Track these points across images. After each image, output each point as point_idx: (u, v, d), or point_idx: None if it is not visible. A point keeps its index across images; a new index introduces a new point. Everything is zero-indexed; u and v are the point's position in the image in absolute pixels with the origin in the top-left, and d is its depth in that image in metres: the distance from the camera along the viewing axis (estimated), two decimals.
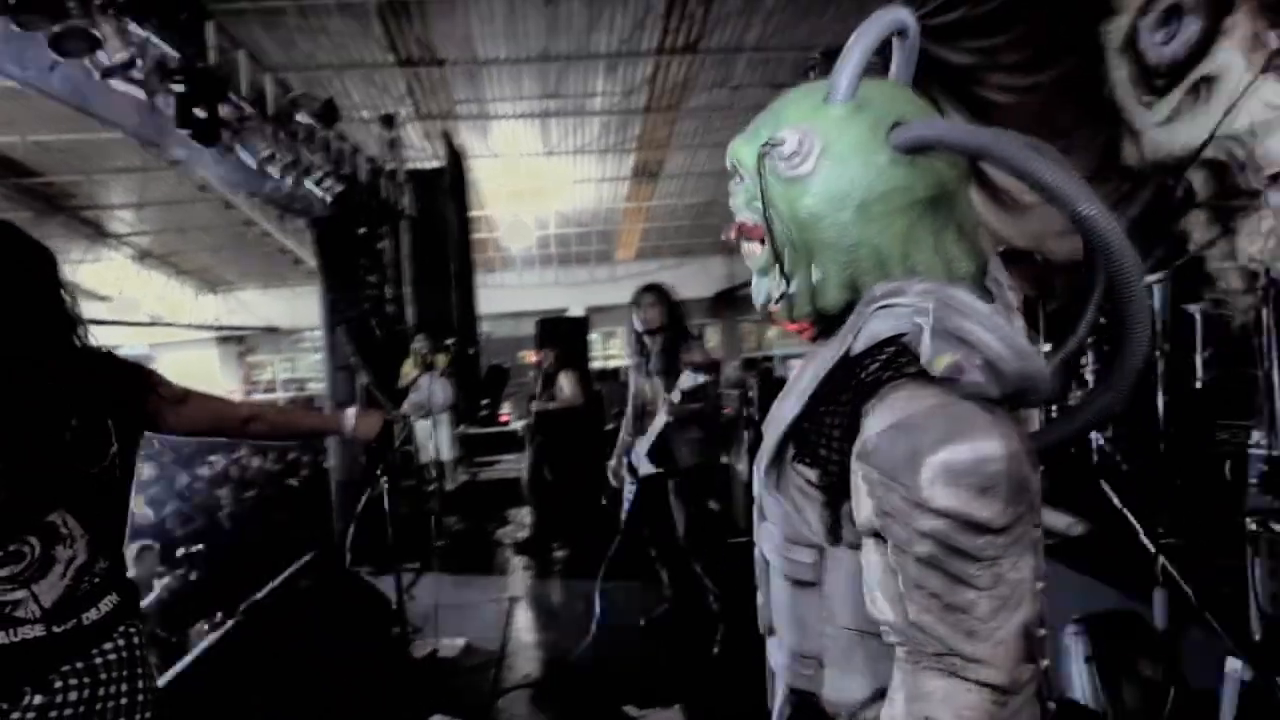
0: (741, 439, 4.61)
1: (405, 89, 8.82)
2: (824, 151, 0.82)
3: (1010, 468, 0.65)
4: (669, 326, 3.52)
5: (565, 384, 4.87)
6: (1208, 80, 3.92)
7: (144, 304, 14.04)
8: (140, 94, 3.15)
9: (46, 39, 2.57)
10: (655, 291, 3.56)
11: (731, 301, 15.17)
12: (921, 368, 0.70)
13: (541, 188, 11.41)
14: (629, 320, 3.56)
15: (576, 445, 5.17)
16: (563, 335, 5.89)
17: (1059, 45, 4.97)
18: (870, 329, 0.75)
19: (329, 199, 5.26)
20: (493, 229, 12.63)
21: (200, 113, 3.45)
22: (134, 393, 1.27)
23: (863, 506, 0.70)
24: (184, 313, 14.46)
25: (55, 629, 1.15)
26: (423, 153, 10.05)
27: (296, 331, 15.53)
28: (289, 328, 15.50)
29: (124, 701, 1.21)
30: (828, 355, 0.79)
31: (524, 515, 5.74)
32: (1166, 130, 4.23)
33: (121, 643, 1.23)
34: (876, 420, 0.70)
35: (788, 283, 0.82)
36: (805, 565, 0.79)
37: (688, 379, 3.13)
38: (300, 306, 15.82)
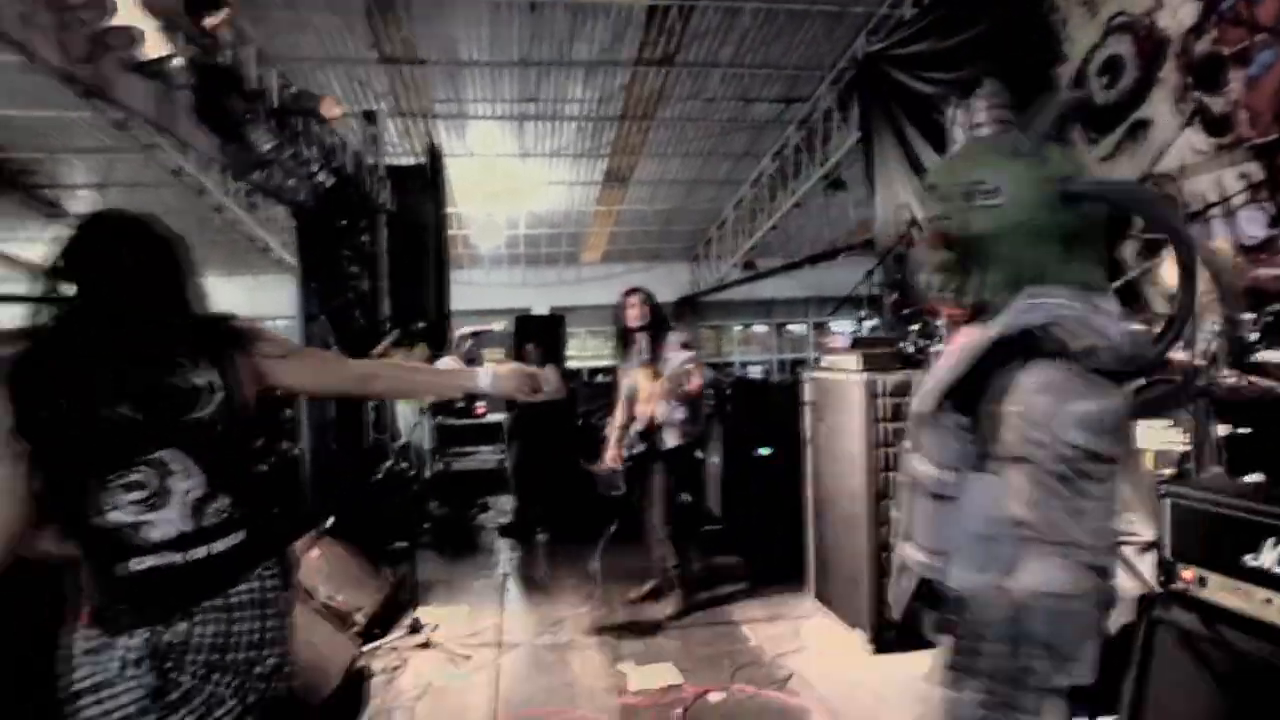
0: (715, 435, 4.93)
1: (387, 85, 8.94)
2: (1011, 191, 1.15)
3: (1118, 419, 1.05)
4: (653, 323, 3.98)
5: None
6: (1143, 124, 4.37)
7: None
8: (163, 85, 3.31)
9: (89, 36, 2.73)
10: (640, 293, 4.05)
11: (694, 307, 15.51)
12: (1057, 348, 1.09)
13: (514, 188, 11.59)
14: (615, 319, 4.02)
15: (557, 436, 5.43)
16: (543, 331, 6.11)
17: (1014, 84, 5.41)
18: (1022, 319, 1.09)
19: (321, 191, 5.41)
20: (463, 226, 12.76)
21: (218, 106, 3.61)
22: (239, 351, 1.43)
23: (1011, 439, 1.07)
24: None
25: (187, 557, 1.30)
26: (400, 149, 10.16)
27: (258, 319, 15.34)
28: (248, 315, 15.30)
29: (255, 638, 1.35)
30: (982, 335, 1.12)
31: (504, 502, 5.97)
32: (1108, 166, 4.67)
33: (255, 584, 1.38)
34: (1030, 381, 1.07)
35: (964, 279, 1.15)
36: (949, 484, 1.14)
37: (679, 357, 3.59)
38: (261, 295, 15.65)
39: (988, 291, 1.15)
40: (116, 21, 2.69)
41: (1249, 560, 1.42)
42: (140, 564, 1.27)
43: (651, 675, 3.20)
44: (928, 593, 1.18)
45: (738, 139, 11.04)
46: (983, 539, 1.09)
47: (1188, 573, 1.53)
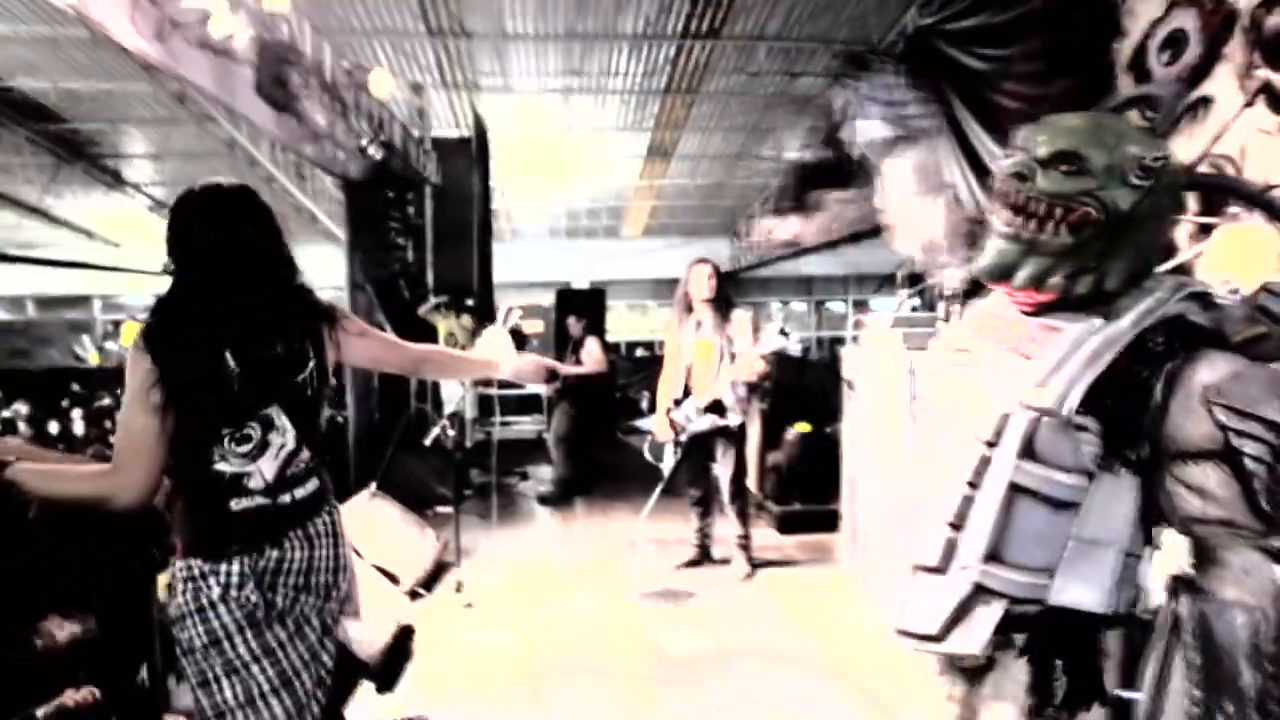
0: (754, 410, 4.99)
1: (433, 58, 9.02)
2: (1160, 173, 1.09)
3: None
4: (719, 297, 4.03)
5: (594, 349, 5.22)
6: (1205, 101, 4.24)
7: (157, 252, 14.21)
8: (230, 63, 3.43)
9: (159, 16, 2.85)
10: (710, 264, 4.06)
11: (735, 283, 15.46)
12: (1219, 337, 1.00)
13: (557, 161, 11.64)
14: (683, 289, 4.04)
15: (596, 407, 5.53)
16: (587, 305, 6.19)
17: (1070, 59, 5.27)
18: (1176, 307, 1.03)
19: (371, 164, 5.53)
20: (506, 200, 12.86)
21: (276, 82, 3.72)
22: (326, 324, 1.60)
23: (1198, 432, 0.98)
24: None
25: (277, 500, 1.48)
26: (444, 121, 10.27)
27: None
28: None
29: (331, 564, 1.56)
30: (1114, 328, 1.04)
31: (543, 471, 6.11)
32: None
33: (327, 519, 1.58)
34: (1210, 373, 0.98)
35: (1083, 265, 1.05)
36: (1068, 488, 1.03)
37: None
38: (307, 265, 16.02)
39: (1113, 280, 1.08)
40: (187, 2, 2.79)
41: None
42: (239, 504, 1.45)
43: (685, 640, 3.29)
44: (1018, 618, 1.08)
45: (783, 114, 10.91)
46: (1103, 547, 1.03)
47: None
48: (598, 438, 5.44)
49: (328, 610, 1.56)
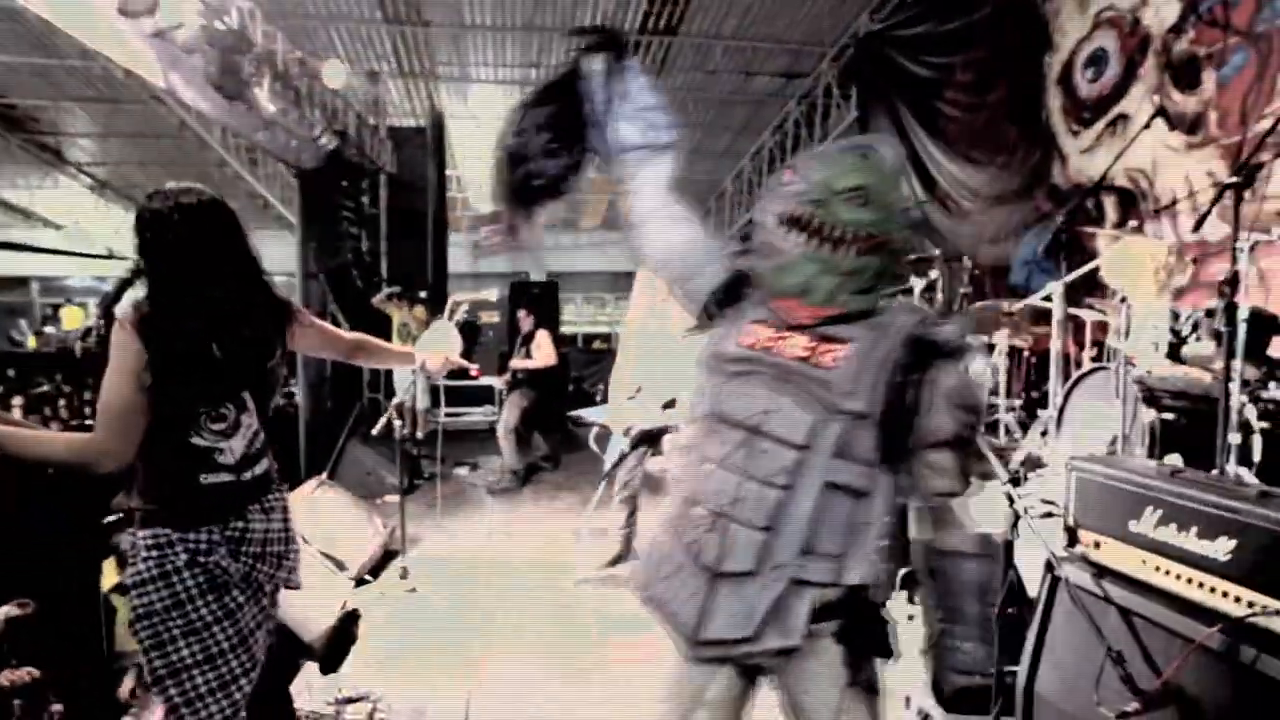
0: None
1: (390, 46, 8.96)
2: (915, 220, 1.32)
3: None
4: None
5: (544, 343, 5.30)
6: (1123, 117, 4.51)
7: (99, 235, 13.84)
8: (179, 52, 3.43)
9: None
10: None
11: None
12: (946, 348, 1.22)
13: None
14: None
15: (548, 400, 5.62)
16: (537, 298, 6.27)
17: (1006, 71, 5.52)
18: (905, 320, 1.23)
19: (324, 152, 5.53)
20: (463, 189, 12.82)
21: (227, 71, 3.73)
22: (286, 315, 1.73)
23: (944, 426, 1.20)
24: None
25: (241, 476, 1.61)
26: (400, 110, 10.20)
27: None
28: None
29: (283, 535, 1.71)
30: (888, 344, 1.21)
31: (493, 461, 6.18)
32: (1088, 157, 4.82)
33: (278, 494, 1.72)
34: (949, 380, 1.20)
35: (867, 283, 1.24)
36: (869, 479, 1.21)
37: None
38: (259, 252, 15.76)
39: (876, 299, 1.25)
40: None
41: (1132, 526, 1.62)
42: (208, 479, 1.58)
43: (625, 626, 3.42)
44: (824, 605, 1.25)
45: (738, 111, 11.08)
46: (871, 527, 1.24)
47: (1086, 537, 1.73)
48: (547, 429, 5.52)
49: (278, 578, 1.69)
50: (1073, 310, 3.58)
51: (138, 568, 1.54)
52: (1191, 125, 3.94)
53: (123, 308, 1.52)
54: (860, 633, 1.24)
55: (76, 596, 2.30)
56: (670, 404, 3.89)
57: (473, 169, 12.10)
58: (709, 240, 1.45)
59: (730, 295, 1.39)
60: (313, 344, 1.87)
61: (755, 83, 10.09)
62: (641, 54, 9.24)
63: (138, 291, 1.56)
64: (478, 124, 10.85)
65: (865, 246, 1.21)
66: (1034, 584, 1.91)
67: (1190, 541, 1.52)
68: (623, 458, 4.00)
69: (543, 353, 5.47)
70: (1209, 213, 2.13)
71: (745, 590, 1.21)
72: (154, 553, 1.53)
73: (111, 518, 2.34)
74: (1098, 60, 4.68)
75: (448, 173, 10.23)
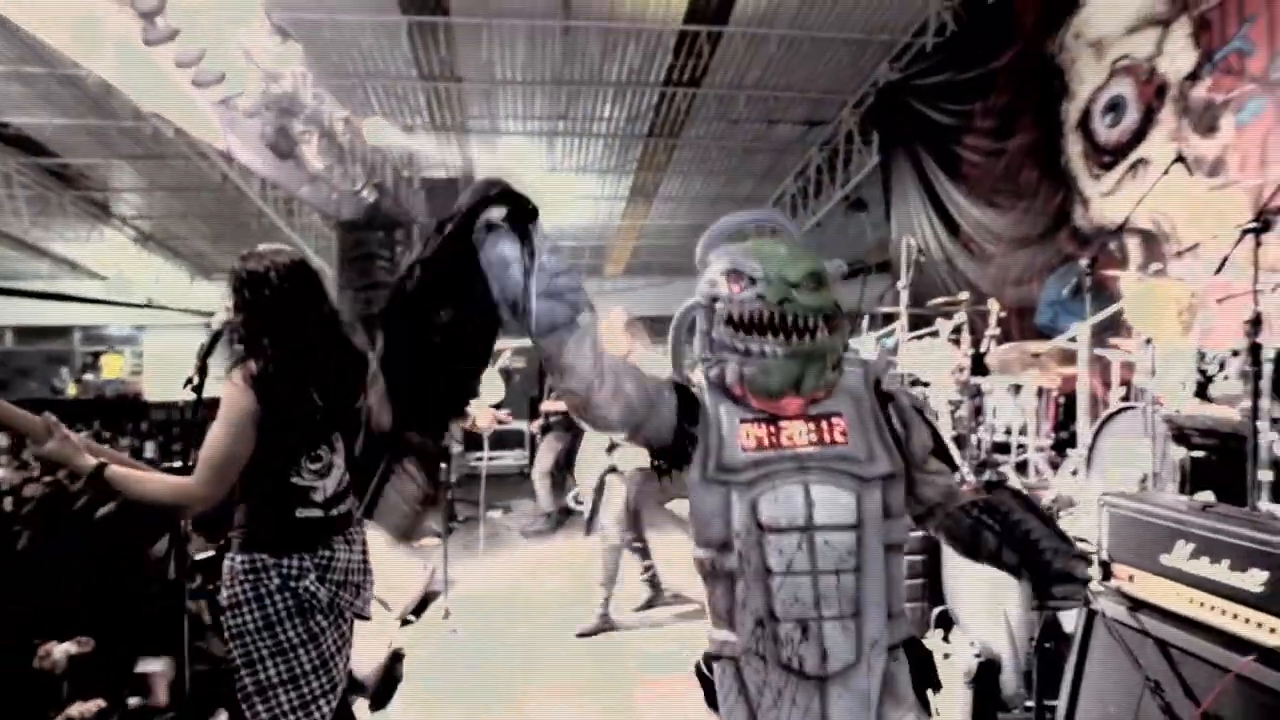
0: None
1: (424, 101, 9.32)
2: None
3: None
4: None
5: None
6: (1144, 162, 4.60)
7: (140, 285, 14.29)
8: (240, 116, 3.66)
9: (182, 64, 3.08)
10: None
11: None
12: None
13: (542, 201, 11.90)
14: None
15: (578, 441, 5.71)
16: None
17: (1026, 117, 5.66)
18: (858, 372, 1.33)
19: (364, 205, 5.76)
20: None
21: (284, 134, 3.95)
22: (364, 364, 1.88)
23: (927, 435, 1.32)
24: (179, 297, 14.70)
25: (329, 512, 1.76)
26: (432, 161, 10.55)
27: None
28: None
29: (362, 566, 1.84)
30: (858, 396, 1.29)
31: (525, 505, 6.27)
32: (1109, 200, 4.91)
33: (359, 529, 1.87)
34: (906, 398, 1.34)
35: (840, 354, 1.29)
36: (906, 528, 1.28)
37: None
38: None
39: (843, 366, 1.37)
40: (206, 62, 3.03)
41: (1164, 559, 1.67)
42: (303, 513, 1.72)
43: (663, 666, 3.46)
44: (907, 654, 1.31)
45: (761, 159, 11.30)
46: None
47: (1121, 570, 1.79)
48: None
49: (355, 606, 1.82)
50: (1099, 351, 3.63)
51: (234, 589, 1.67)
52: (1212, 169, 4.03)
53: (233, 366, 1.68)
54: (916, 667, 1.27)
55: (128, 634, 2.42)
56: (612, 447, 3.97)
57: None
58: (653, 380, 1.34)
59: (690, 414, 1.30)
60: (376, 401, 1.96)
61: (778, 131, 10.32)
62: (666, 105, 9.53)
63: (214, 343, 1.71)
64: (506, 174, 11.14)
65: (837, 324, 1.25)
66: (1069, 619, 1.96)
67: (1223, 574, 1.57)
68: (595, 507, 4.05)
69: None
70: (1229, 256, 2.21)
71: (855, 681, 1.18)
72: (250, 576, 1.66)
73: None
74: (1116, 106, 4.80)
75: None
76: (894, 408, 1.30)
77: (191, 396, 1.71)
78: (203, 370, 1.73)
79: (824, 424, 1.25)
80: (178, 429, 6.16)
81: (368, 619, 1.90)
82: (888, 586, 1.21)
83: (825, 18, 7.67)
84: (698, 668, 1.32)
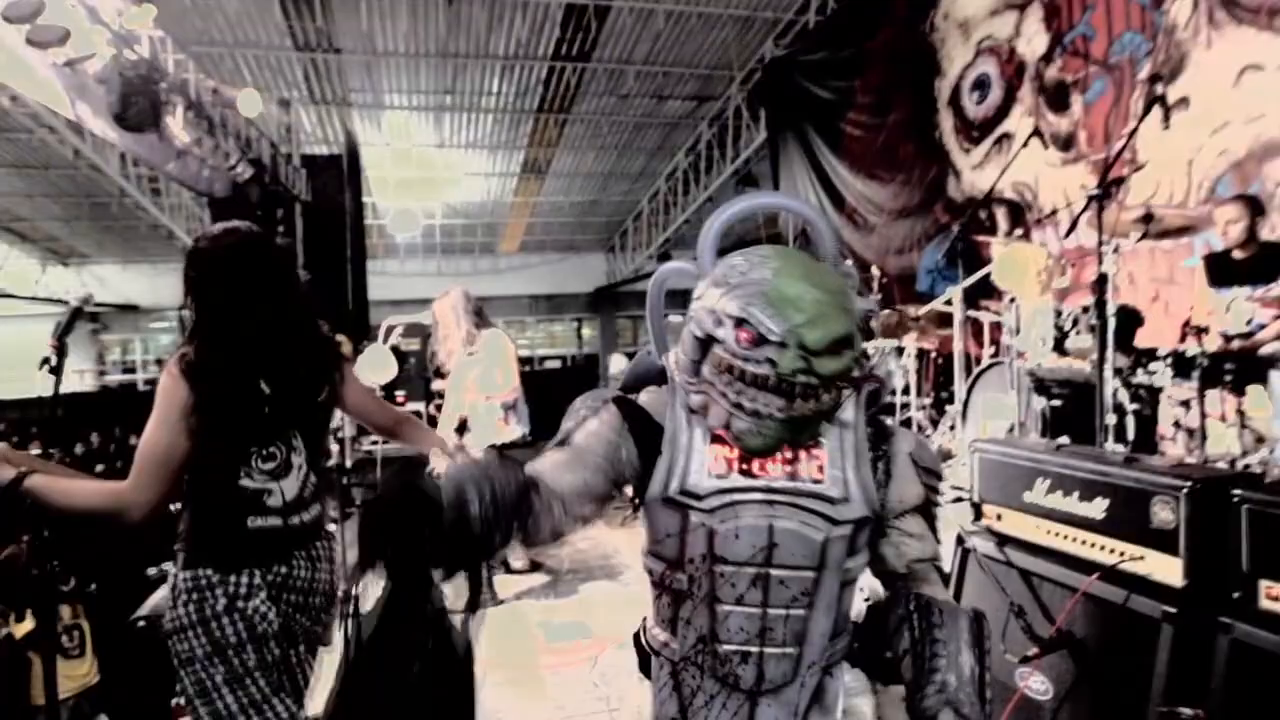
0: None
1: (301, 74, 8.86)
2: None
3: None
4: None
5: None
6: (1007, 136, 4.93)
7: None
8: (90, 82, 3.38)
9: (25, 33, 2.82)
10: None
11: (611, 297, 15.80)
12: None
13: (431, 178, 11.61)
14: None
15: None
16: None
17: (902, 93, 5.94)
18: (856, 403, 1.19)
19: (238, 181, 5.45)
20: (379, 217, 12.67)
21: (138, 102, 3.68)
22: (335, 354, 1.69)
23: (913, 491, 1.20)
24: (28, 285, 13.46)
25: (288, 521, 1.54)
26: (313, 137, 10.05)
27: (158, 310, 14.80)
28: (149, 306, 14.77)
29: (326, 588, 1.63)
30: (855, 437, 1.16)
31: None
32: (979, 172, 5.23)
33: (325, 542, 1.65)
34: (907, 445, 1.21)
35: (841, 396, 1.12)
36: (865, 558, 1.18)
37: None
38: (162, 285, 15.04)
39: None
40: (44, 20, 2.77)
41: (1026, 496, 1.84)
42: (257, 522, 1.52)
43: (566, 634, 3.49)
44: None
45: (652, 135, 11.37)
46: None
47: (990, 510, 1.94)
48: None
49: (313, 632, 1.62)
50: (971, 313, 3.89)
51: (177, 611, 1.48)
52: (1065, 143, 4.36)
53: (171, 354, 1.49)
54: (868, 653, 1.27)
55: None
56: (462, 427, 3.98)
57: (389, 196, 12.01)
58: (602, 441, 1.19)
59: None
60: (358, 402, 1.77)
61: (668, 106, 10.41)
62: (556, 80, 9.43)
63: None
64: (392, 150, 10.80)
65: (850, 382, 1.11)
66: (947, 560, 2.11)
67: (1073, 505, 1.74)
68: None
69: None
70: (1077, 221, 2.41)
71: (786, 694, 1.18)
72: (194, 596, 1.47)
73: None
74: (982, 84, 5.10)
75: (364, 200, 10.13)
76: (887, 449, 1.20)
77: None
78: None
79: (801, 455, 1.14)
80: (35, 428, 5.64)
81: (327, 645, 1.69)
82: (837, 614, 1.18)
83: None
84: (636, 638, 1.28)
